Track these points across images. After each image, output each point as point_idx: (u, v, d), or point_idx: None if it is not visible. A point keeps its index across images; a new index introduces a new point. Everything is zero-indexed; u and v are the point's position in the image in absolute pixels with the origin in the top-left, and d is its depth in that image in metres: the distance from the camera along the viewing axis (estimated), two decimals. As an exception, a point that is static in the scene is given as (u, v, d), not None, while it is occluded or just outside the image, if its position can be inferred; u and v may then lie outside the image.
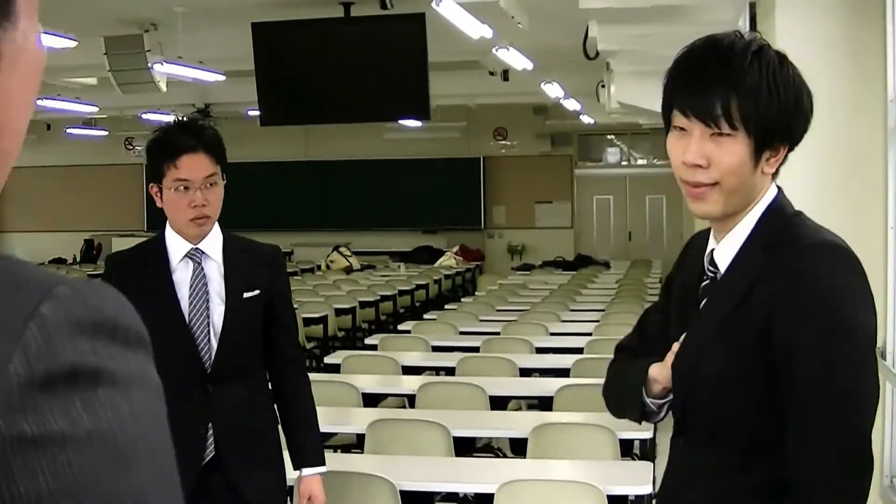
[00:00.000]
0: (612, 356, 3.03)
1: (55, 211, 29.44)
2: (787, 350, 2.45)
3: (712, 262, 2.67)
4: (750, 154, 2.50)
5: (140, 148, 26.70)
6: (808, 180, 6.10)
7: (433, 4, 9.29)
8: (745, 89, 2.46)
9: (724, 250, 2.65)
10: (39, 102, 17.89)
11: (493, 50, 12.78)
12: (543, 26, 10.91)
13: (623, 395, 2.89)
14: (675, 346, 2.68)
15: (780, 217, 2.62)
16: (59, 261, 26.98)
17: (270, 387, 4.48)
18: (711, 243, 2.69)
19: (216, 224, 4.34)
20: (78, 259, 27.42)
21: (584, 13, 9.01)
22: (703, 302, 2.68)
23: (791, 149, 2.58)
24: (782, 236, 2.56)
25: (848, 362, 2.43)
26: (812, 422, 2.44)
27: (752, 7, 7.41)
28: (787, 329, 2.46)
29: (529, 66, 14.17)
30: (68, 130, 25.24)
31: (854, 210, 6.06)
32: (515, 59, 13.58)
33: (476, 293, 18.19)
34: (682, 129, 2.56)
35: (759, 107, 2.47)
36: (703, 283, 2.70)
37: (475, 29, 10.49)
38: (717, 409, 2.62)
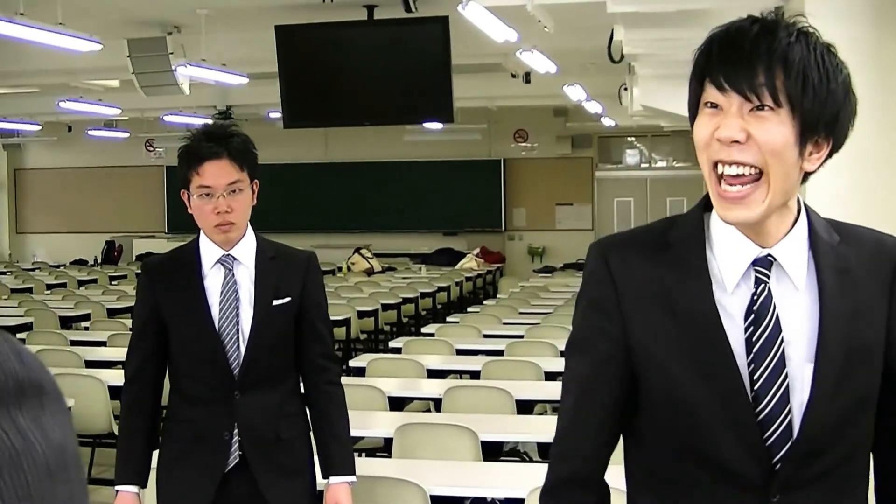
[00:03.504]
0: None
1: (76, 212, 29.54)
2: None
3: (766, 266, 2.29)
4: (794, 139, 2.17)
5: (161, 150, 26.77)
6: (838, 191, 6.09)
7: (459, 8, 9.28)
8: (793, 63, 2.13)
9: (787, 252, 2.30)
10: (61, 104, 17.97)
11: (517, 53, 12.77)
12: (567, 29, 10.91)
13: None
14: (808, 372, 2.26)
15: (816, 214, 2.38)
16: (81, 262, 27.07)
17: (303, 394, 4.49)
18: (748, 247, 2.28)
19: (250, 230, 4.35)
20: (99, 260, 27.49)
21: (609, 17, 9.03)
22: (826, 314, 2.27)
23: (834, 149, 2.26)
24: (853, 231, 2.39)
25: None
26: None
27: (779, 11, 7.40)
28: None
29: (553, 69, 14.15)
30: (89, 132, 25.29)
31: (885, 220, 6.04)
32: (539, 63, 13.55)
33: (498, 296, 18.19)
34: (714, 106, 2.21)
35: (806, 86, 2.14)
36: (758, 293, 2.28)
37: (500, 32, 10.46)
38: (843, 443, 2.29)
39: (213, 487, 4.24)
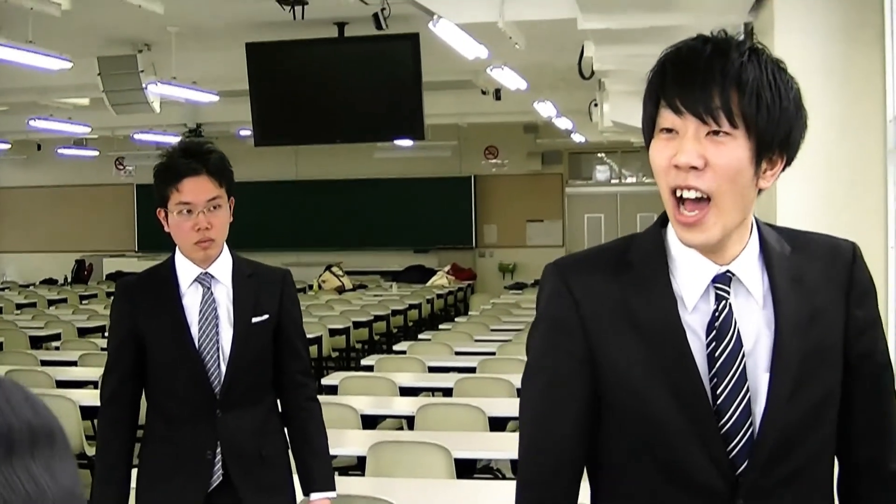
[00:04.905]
0: None
1: (46, 231, 29.42)
2: (866, 342, 2.38)
3: (725, 282, 2.30)
4: (750, 159, 2.19)
5: (131, 168, 26.71)
6: (808, 202, 6.13)
7: (430, 25, 9.30)
8: (746, 84, 2.15)
9: (744, 267, 2.32)
10: (31, 123, 17.91)
11: (488, 70, 12.80)
12: (538, 46, 10.94)
13: None
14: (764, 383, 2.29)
15: (768, 225, 2.40)
16: (51, 281, 26.94)
17: (281, 411, 4.48)
18: (706, 266, 2.30)
19: (225, 247, 4.34)
20: (69, 279, 27.37)
21: (580, 34, 9.04)
22: (782, 323, 2.29)
23: (787, 164, 2.28)
24: (807, 238, 2.42)
25: None
26: (890, 400, 2.44)
27: (748, 27, 7.44)
28: (865, 320, 2.37)
29: (523, 85, 14.19)
30: (59, 150, 25.21)
31: (854, 230, 6.06)
32: (509, 79, 13.59)
33: (469, 312, 18.20)
34: (670, 130, 2.21)
35: (760, 106, 2.16)
36: (719, 310, 2.29)
37: (471, 49, 10.48)
38: (805, 446, 2.32)
39: None
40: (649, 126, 2.27)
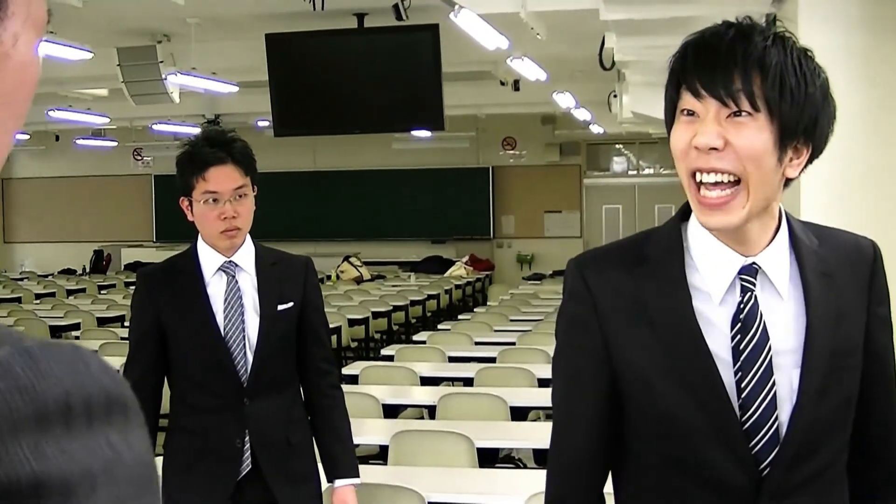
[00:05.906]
0: None
1: (64, 221, 29.48)
2: (883, 341, 2.38)
3: (751, 274, 2.26)
4: (773, 144, 2.13)
5: (149, 159, 26.75)
6: (832, 193, 6.12)
7: (451, 15, 9.28)
8: (769, 68, 2.11)
9: (772, 260, 2.28)
10: (50, 113, 17.94)
11: (508, 60, 12.78)
12: (558, 37, 10.92)
13: None
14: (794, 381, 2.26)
15: (795, 218, 2.36)
16: (69, 271, 27.00)
17: (304, 399, 4.49)
18: (732, 257, 2.26)
19: (248, 236, 4.34)
20: (87, 270, 27.44)
21: (601, 24, 9.04)
22: (813, 319, 2.26)
23: (813, 155, 2.22)
24: (831, 234, 2.39)
25: None
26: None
27: (770, 17, 7.43)
28: (884, 319, 2.37)
29: (543, 76, 14.15)
30: (77, 141, 25.23)
31: (879, 220, 6.05)
32: (529, 70, 13.55)
33: (488, 303, 18.19)
34: (690, 113, 2.17)
35: (784, 90, 2.11)
36: (744, 302, 2.25)
37: (492, 40, 10.47)
38: (830, 446, 2.31)
39: (227, 496, 4.23)
40: (671, 111, 2.24)
